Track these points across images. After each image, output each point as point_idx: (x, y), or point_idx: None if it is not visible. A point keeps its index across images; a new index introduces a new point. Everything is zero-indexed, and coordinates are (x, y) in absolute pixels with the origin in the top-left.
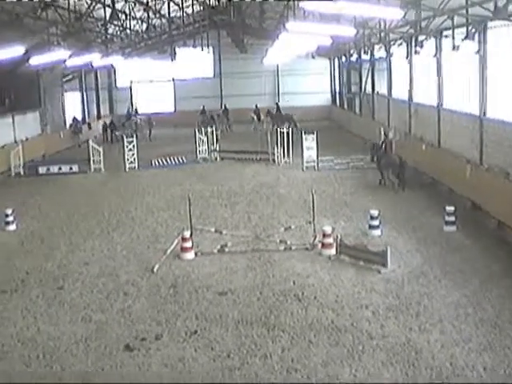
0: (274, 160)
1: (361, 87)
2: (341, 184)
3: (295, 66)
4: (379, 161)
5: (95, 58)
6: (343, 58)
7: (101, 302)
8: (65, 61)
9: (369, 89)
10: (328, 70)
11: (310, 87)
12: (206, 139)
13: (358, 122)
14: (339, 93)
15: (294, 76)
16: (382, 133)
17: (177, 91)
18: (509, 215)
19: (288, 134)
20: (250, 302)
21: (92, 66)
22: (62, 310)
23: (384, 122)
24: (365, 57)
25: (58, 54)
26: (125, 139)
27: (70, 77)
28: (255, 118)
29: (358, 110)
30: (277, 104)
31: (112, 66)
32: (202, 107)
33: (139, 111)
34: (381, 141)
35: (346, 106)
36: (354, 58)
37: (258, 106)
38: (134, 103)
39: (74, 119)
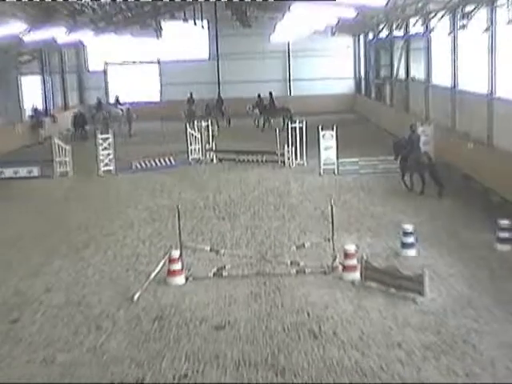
0: (283, 162)
1: (392, 71)
2: (367, 192)
3: (311, 46)
4: (404, 160)
5: (60, 34)
6: (370, 35)
7: (67, 339)
8: (21, 36)
9: (402, 73)
10: (352, 50)
11: (328, 72)
12: (199, 136)
13: (388, 114)
14: (365, 79)
15: (308, 58)
16: (409, 127)
17: (163, 76)
18: None
19: (301, 130)
20: (254, 339)
21: (56, 43)
22: (18, 349)
23: (421, 114)
24: (397, 33)
25: (11, 28)
26: (98, 136)
27: (29, 57)
28: (256, 111)
29: (388, 99)
30: (270, 94)
31: (81, 43)
32: (189, 95)
33: (120, 100)
34: (407, 136)
35: (373, 95)
36: (383, 35)
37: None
38: (109, 91)
39: (35, 110)
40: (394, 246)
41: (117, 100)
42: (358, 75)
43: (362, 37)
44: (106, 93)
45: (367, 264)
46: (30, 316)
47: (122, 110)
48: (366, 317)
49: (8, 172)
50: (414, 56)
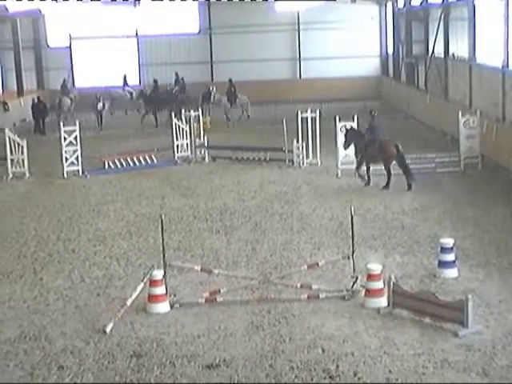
0: (292, 161)
1: (427, 48)
2: (395, 197)
3: (325, 16)
4: (365, 150)
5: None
6: (400, 3)
7: (21, 382)
8: None
9: (440, 50)
10: (377, 22)
11: (348, 49)
12: (188, 129)
13: (422, 101)
14: (394, 57)
15: (323, 31)
16: (369, 112)
17: (143, 55)
18: None
19: (314, 121)
20: (255, 381)
21: (7, 12)
22: None
23: (463, 101)
24: (434, 0)
25: None
26: (62, 128)
27: None
28: (224, 99)
29: (422, 82)
30: (230, 80)
31: (40, 12)
32: (153, 81)
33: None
34: (368, 122)
35: (403, 78)
36: (416, 2)
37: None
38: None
39: None
40: (430, 266)
41: (124, 80)
42: (384, 53)
43: (389, 4)
44: (72, 73)
45: (396, 287)
46: None
47: (131, 92)
48: (395, 353)
49: None
50: (455, 28)
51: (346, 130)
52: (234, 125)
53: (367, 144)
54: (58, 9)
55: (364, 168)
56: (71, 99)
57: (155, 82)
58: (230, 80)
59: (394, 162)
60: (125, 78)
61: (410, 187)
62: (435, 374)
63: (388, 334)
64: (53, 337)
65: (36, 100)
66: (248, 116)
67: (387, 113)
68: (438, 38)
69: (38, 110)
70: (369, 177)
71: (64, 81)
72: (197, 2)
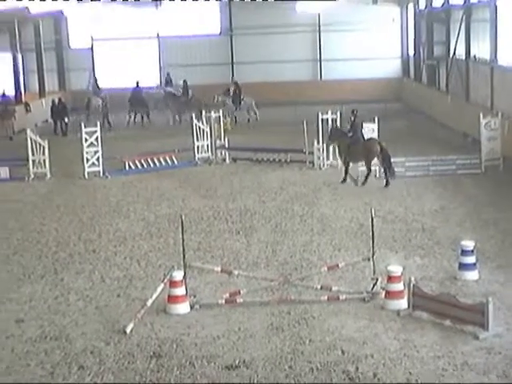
0: (312, 162)
1: (449, 49)
2: (416, 199)
3: (346, 17)
4: (347, 148)
5: (35, 1)
6: (422, 4)
7: (42, 382)
8: None
9: (461, 52)
10: (398, 24)
11: (369, 50)
12: (209, 130)
13: (442, 103)
14: (415, 59)
15: (343, 33)
16: (351, 112)
17: (164, 56)
18: None
19: (335, 122)
20: (275, 381)
21: (30, 14)
22: None
23: (485, 103)
24: (456, 1)
25: None
26: (83, 129)
27: None
28: (228, 100)
29: (443, 84)
30: (235, 83)
31: (62, 13)
32: (135, 82)
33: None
34: (350, 122)
35: (424, 79)
36: (438, 4)
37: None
38: (96, 73)
39: (3, 96)
40: (450, 268)
41: (169, 78)
42: (405, 54)
43: (410, 6)
44: (94, 74)
45: (416, 290)
46: None
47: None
48: (415, 355)
49: None
50: (477, 30)
51: (331, 128)
52: (254, 126)
53: (351, 143)
54: (80, 10)
55: (345, 166)
56: (102, 99)
57: (185, 82)
58: (236, 82)
59: (376, 159)
60: (168, 74)
61: (387, 184)
62: (455, 376)
63: (408, 336)
64: (73, 337)
65: (56, 101)
66: (256, 118)
67: (408, 114)
68: (459, 39)
69: (58, 110)
70: (346, 174)
71: (95, 81)
72: (218, 3)
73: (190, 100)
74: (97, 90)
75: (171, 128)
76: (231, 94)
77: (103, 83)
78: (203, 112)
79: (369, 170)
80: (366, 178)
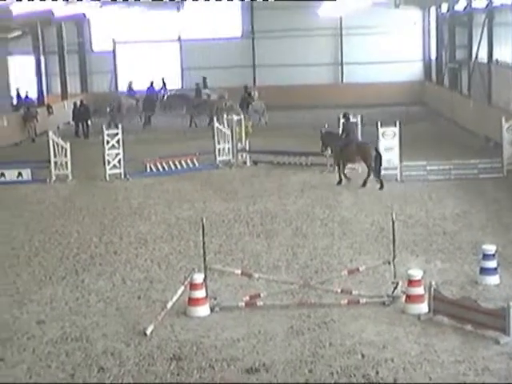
0: (333, 166)
1: (471, 53)
2: (437, 203)
3: (368, 21)
4: (341, 151)
5: (58, 4)
6: (444, 8)
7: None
8: (9, 7)
9: (483, 55)
10: (420, 27)
11: (390, 54)
12: (230, 133)
13: (465, 106)
14: (437, 62)
15: (365, 36)
16: (343, 115)
17: (185, 59)
18: None
19: (356, 126)
20: None
21: (53, 16)
22: None
23: (507, 106)
24: (478, 4)
25: None
26: (105, 131)
27: (19, 32)
28: (236, 106)
29: (465, 88)
30: (245, 87)
31: (84, 16)
32: (128, 84)
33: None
34: (342, 125)
35: (446, 83)
36: (460, 7)
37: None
38: (118, 76)
39: (26, 98)
40: (471, 272)
41: (204, 82)
42: (427, 58)
43: (433, 9)
44: (115, 77)
45: (437, 294)
46: (16, 354)
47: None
48: (435, 360)
49: None
50: (499, 33)
51: (322, 132)
52: (276, 130)
53: (344, 145)
54: (102, 13)
55: (338, 168)
56: (137, 100)
57: (197, 85)
58: (246, 86)
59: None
60: (204, 79)
61: (364, 184)
62: (476, 381)
63: (428, 341)
64: (94, 338)
65: (79, 103)
66: (265, 122)
67: (430, 118)
68: (481, 42)
69: (80, 113)
70: (341, 176)
71: (130, 83)
72: (240, 6)
73: (204, 103)
74: (131, 92)
75: (192, 131)
76: (240, 98)
77: (124, 86)
78: (216, 116)
79: (369, 171)
80: (366, 180)
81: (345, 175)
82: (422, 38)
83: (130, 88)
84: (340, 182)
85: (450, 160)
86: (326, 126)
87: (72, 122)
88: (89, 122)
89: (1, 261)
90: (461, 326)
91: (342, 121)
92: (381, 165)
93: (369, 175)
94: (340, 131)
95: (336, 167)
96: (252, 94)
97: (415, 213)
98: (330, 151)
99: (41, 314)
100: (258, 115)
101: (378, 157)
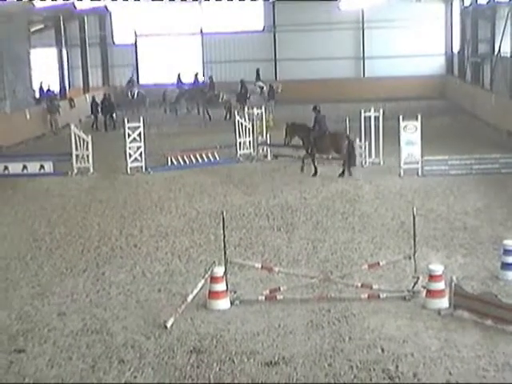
0: (354, 159)
1: (494, 46)
2: (459, 197)
3: (390, 15)
4: (314, 143)
5: None
6: (466, 1)
7: (83, 375)
8: (31, 0)
9: (506, 49)
10: (442, 20)
11: (412, 48)
12: (251, 127)
13: (487, 101)
14: (459, 56)
15: (387, 30)
16: (313, 108)
17: (207, 52)
18: None
19: (377, 120)
20: (314, 379)
21: (75, 9)
22: None
23: None
24: None
25: None
26: (126, 124)
27: (41, 26)
28: (233, 100)
29: (487, 82)
30: (241, 81)
31: (106, 9)
32: (130, 77)
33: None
34: (313, 117)
35: (469, 77)
36: (483, 0)
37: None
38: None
39: (48, 91)
40: (492, 267)
41: (257, 74)
42: (449, 52)
43: (456, 3)
44: (136, 70)
45: (458, 289)
46: (37, 346)
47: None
48: (456, 355)
49: (14, 168)
50: None
51: (287, 125)
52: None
53: (317, 137)
54: (124, 6)
55: (311, 159)
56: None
57: (210, 78)
58: (241, 81)
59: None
60: (179, 76)
61: (343, 174)
62: (496, 377)
63: (449, 336)
64: (114, 331)
65: (102, 97)
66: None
67: (451, 112)
68: (504, 36)
69: (104, 106)
70: (315, 165)
71: (179, 75)
72: (262, 0)
73: (216, 97)
74: (180, 83)
75: (212, 124)
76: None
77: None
78: (231, 110)
79: (344, 161)
80: (343, 171)
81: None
82: (444, 31)
83: (179, 79)
84: (316, 173)
85: (471, 154)
86: (347, 119)
87: (96, 116)
88: (113, 115)
89: (23, 253)
90: (481, 321)
91: (312, 113)
92: (355, 152)
93: (344, 164)
94: (313, 123)
95: (313, 157)
96: (274, 87)
97: (436, 207)
98: (302, 143)
99: (62, 306)
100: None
101: (351, 145)
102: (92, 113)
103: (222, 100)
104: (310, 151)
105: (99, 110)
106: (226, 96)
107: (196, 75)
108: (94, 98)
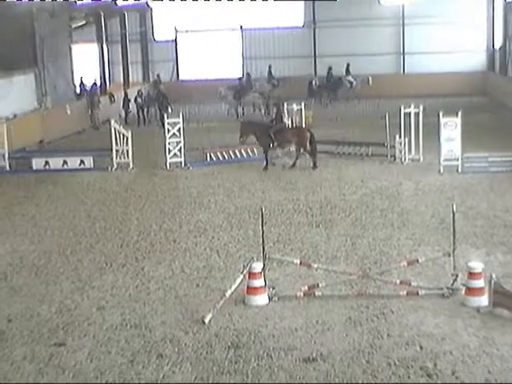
0: (394, 156)
1: None
2: (499, 195)
3: (431, 10)
4: (272, 136)
5: None
6: None
7: (122, 369)
8: None
9: None
10: (484, 15)
11: (453, 43)
12: (290, 123)
13: None
14: (501, 52)
15: (428, 25)
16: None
17: (246, 48)
18: None
19: (417, 116)
20: (352, 376)
21: (116, 6)
22: (61, 380)
23: None
24: None
25: None
26: (166, 120)
27: (82, 22)
28: (231, 96)
29: None
30: (239, 79)
31: (147, 5)
32: (156, 77)
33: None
34: (274, 113)
35: (510, 73)
36: None
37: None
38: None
39: (91, 86)
40: None
41: (347, 68)
42: (490, 48)
43: None
44: (177, 67)
45: (498, 287)
46: (77, 339)
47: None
48: (495, 353)
49: (55, 163)
50: None
51: (241, 123)
52: (338, 119)
53: (277, 131)
54: (164, 3)
55: (265, 153)
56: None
57: (248, 75)
58: (240, 78)
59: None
60: (270, 67)
61: (315, 166)
62: None
63: (488, 334)
64: (153, 325)
65: (156, 91)
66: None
67: (492, 109)
68: None
69: (158, 100)
70: (267, 160)
71: (248, 74)
72: None
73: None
74: (249, 79)
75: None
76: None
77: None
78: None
79: (310, 153)
80: (294, 163)
81: (267, 160)
82: (485, 27)
83: (248, 76)
84: (266, 167)
85: (509, 152)
86: (387, 115)
87: (136, 111)
88: (169, 110)
89: (63, 247)
90: None
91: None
92: (316, 147)
93: (297, 158)
94: (273, 118)
95: (264, 153)
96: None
97: (476, 204)
98: (256, 140)
99: (101, 300)
100: (254, 107)
101: (313, 138)
102: (123, 108)
103: (220, 95)
104: (270, 146)
105: (131, 105)
106: (224, 92)
107: (248, 74)
108: (126, 94)
